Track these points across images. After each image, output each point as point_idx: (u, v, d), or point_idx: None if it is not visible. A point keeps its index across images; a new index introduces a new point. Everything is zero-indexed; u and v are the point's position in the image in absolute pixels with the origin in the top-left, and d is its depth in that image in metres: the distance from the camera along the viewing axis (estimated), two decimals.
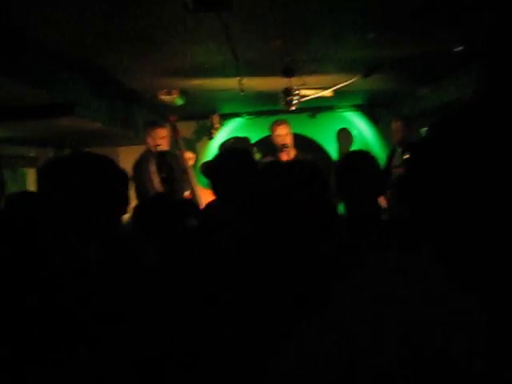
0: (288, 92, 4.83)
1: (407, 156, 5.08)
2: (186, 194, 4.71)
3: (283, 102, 4.98)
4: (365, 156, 2.65)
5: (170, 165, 3.71)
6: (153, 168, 3.98)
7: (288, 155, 5.64)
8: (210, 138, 7.27)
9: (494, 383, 0.94)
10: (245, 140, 6.98)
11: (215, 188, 2.74)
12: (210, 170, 2.83)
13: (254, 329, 1.36)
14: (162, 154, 4.24)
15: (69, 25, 3.13)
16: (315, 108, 7.32)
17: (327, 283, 1.28)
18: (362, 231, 2.21)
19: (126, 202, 1.72)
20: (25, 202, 2.28)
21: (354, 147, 7.51)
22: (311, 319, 1.13)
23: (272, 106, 6.77)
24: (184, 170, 4.80)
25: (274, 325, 1.33)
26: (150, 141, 5.36)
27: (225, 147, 5.55)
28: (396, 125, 5.79)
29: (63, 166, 1.66)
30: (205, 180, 4.42)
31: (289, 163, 1.65)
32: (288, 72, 4.53)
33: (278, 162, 1.70)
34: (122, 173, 1.75)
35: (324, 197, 1.59)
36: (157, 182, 4.11)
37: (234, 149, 2.96)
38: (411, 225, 1.28)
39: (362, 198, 2.39)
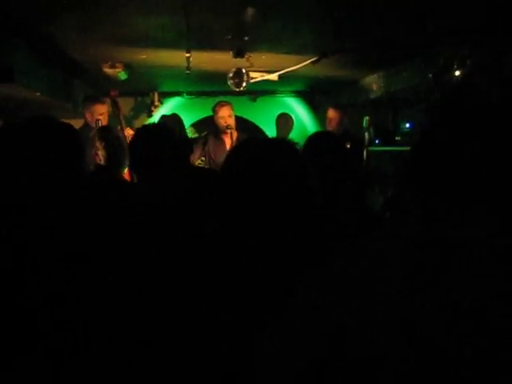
0: (238, 73, 4.78)
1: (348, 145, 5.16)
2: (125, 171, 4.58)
3: (232, 83, 4.92)
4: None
5: (112, 141, 3.61)
6: (97, 144, 3.84)
7: (231, 137, 5.63)
8: (150, 115, 7.15)
9: None
10: (173, 117, 6.87)
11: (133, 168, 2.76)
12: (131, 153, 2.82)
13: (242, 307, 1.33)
14: (105, 129, 4.10)
15: None
16: (256, 91, 7.31)
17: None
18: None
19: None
20: None
21: (293, 133, 7.58)
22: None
23: (215, 87, 6.70)
24: (124, 147, 4.67)
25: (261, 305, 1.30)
26: (88, 116, 5.20)
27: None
28: (331, 113, 5.89)
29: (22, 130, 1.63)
30: None
31: (267, 141, 1.61)
32: (239, 52, 4.48)
33: (255, 139, 1.66)
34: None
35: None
36: (101, 158, 3.97)
37: (147, 128, 2.95)
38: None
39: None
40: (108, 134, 3.74)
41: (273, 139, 1.68)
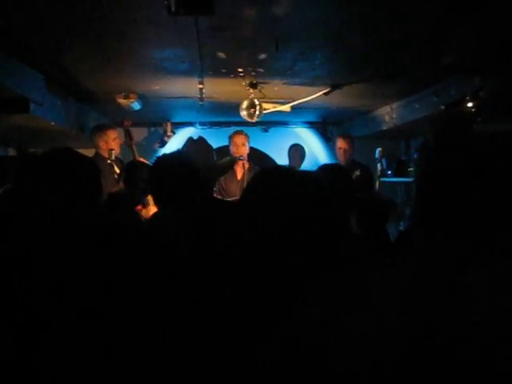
0: (252, 104, 4.81)
1: (357, 174, 5.16)
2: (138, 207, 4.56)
3: (245, 114, 4.95)
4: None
5: (140, 178, 3.60)
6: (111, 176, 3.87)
7: (243, 167, 5.63)
8: (162, 145, 7.19)
9: None
10: (200, 140, 6.93)
11: (156, 199, 2.71)
12: (149, 181, 2.79)
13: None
14: (140, 164, 4.11)
15: (30, 14, 2.98)
16: (268, 122, 7.35)
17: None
18: None
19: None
20: None
21: (305, 164, 7.59)
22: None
23: (228, 118, 6.75)
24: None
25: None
26: (102, 145, 5.22)
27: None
28: (341, 142, 5.90)
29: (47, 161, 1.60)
30: None
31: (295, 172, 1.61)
32: (252, 83, 4.52)
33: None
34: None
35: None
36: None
37: (171, 157, 2.90)
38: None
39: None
40: (132, 173, 3.73)
41: (294, 169, 1.66)
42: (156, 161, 2.83)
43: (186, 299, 1.59)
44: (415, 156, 5.80)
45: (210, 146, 4.62)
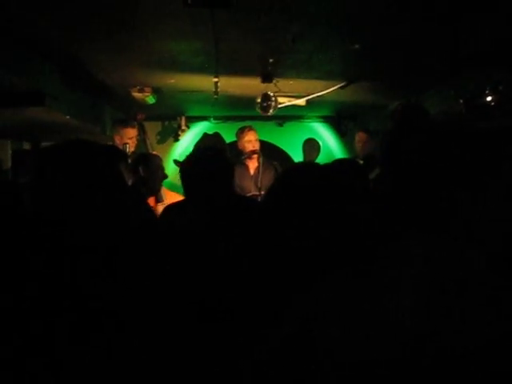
0: (267, 97, 4.78)
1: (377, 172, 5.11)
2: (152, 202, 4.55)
3: (260, 108, 4.92)
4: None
5: (147, 166, 3.59)
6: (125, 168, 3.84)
7: (257, 161, 5.59)
8: (176, 139, 7.18)
9: None
10: (216, 136, 6.91)
11: (188, 188, 2.68)
12: (186, 171, 2.76)
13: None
14: (147, 156, 4.10)
15: (46, 7, 2.97)
16: (283, 116, 7.31)
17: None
18: None
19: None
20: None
21: (320, 158, 7.54)
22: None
23: (242, 112, 6.72)
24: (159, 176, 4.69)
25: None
26: (117, 139, 5.21)
27: (199, 147, 5.43)
28: (359, 137, 5.84)
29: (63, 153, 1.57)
30: (169, 182, 4.31)
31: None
32: (267, 77, 4.48)
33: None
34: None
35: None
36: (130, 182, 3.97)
37: (210, 149, 2.89)
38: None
39: None
40: (151, 162, 3.72)
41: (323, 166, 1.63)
42: (191, 154, 2.83)
43: (184, 298, 1.58)
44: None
45: (225, 143, 4.59)
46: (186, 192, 2.73)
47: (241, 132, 5.68)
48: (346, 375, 1.01)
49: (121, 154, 1.86)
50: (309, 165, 1.69)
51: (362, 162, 5.31)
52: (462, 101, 4.30)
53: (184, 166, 2.77)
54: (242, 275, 1.41)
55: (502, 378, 0.95)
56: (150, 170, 3.59)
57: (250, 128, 5.65)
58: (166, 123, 7.56)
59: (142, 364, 1.35)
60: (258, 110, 5.01)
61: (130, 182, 3.72)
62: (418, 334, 1.00)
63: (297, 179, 1.42)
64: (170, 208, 3.06)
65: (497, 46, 3.72)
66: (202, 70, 4.44)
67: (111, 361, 1.33)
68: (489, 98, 4.03)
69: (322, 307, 1.11)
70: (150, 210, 3.73)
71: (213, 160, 2.73)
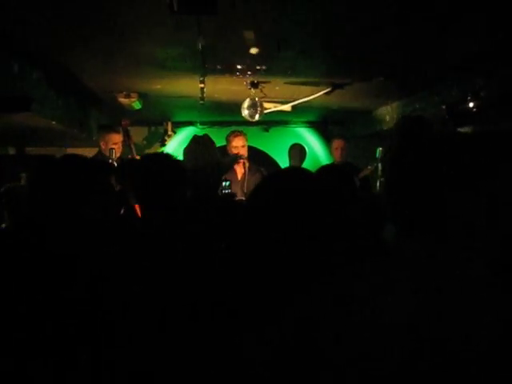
0: (253, 103, 4.81)
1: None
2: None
3: (246, 114, 4.95)
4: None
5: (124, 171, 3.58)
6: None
7: (243, 167, 5.61)
8: (163, 144, 7.18)
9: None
10: (205, 137, 6.89)
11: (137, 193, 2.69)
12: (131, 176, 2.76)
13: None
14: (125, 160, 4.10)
15: (32, 13, 2.97)
16: (269, 122, 7.34)
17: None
18: None
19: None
20: None
21: (306, 163, 7.58)
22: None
23: (228, 117, 6.74)
24: None
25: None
26: (102, 144, 5.21)
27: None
28: (337, 144, 5.88)
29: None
30: None
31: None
32: (254, 83, 4.51)
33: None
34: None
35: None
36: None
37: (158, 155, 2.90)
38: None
39: None
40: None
41: (305, 170, 1.64)
42: (140, 161, 2.83)
43: (177, 299, 1.59)
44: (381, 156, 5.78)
45: (214, 144, 4.58)
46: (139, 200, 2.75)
47: (229, 136, 5.69)
48: (343, 376, 1.03)
49: (111, 168, 1.92)
50: (295, 169, 1.72)
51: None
52: (444, 106, 4.36)
53: (131, 171, 2.78)
54: (231, 276, 1.43)
55: (501, 380, 0.96)
56: (123, 178, 3.58)
57: (239, 133, 5.65)
58: (153, 128, 7.57)
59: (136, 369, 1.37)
60: (244, 116, 5.03)
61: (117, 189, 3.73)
62: (415, 336, 1.01)
63: (283, 183, 1.44)
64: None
65: (478, 54, 3.78)
66: (188, 75, 4.46)
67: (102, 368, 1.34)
68: (471, 104, 4.09)
69: (318, 309, 1.13)
70: (137, 217, 3.74)
71: (160, 165, 2.73)
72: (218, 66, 4.14)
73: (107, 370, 1.39)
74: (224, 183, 4.69)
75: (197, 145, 3.75)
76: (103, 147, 5.17)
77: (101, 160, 2.44)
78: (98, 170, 1.62)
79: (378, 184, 5.23)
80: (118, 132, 5.25)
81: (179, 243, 2.23)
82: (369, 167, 5.09)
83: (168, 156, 2.83)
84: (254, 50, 3.45)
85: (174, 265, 1.97)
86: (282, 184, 1.43)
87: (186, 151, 3.99)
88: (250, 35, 3.26)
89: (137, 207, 4.03)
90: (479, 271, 1.05)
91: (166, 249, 2.15)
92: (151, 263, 1.99)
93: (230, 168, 5.45)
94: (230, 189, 5.01)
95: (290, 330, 1.10)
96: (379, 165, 5.36)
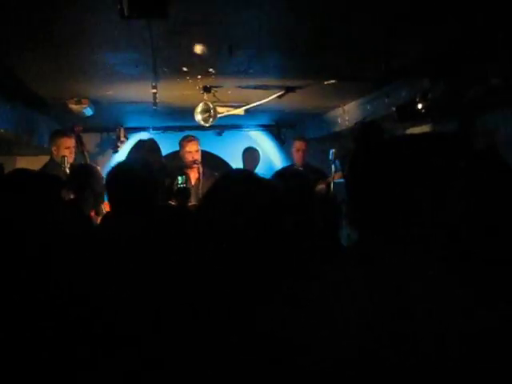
0: (206, 108, 4.81)
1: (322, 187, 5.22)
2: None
3: (200, 118, 4.95)
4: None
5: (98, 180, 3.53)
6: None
7: (197, 171, 5.60)
8: (115, 151, 7.09)
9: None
10: (150, 142, 6.85)
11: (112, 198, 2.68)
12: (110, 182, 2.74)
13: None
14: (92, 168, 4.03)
15: None
16: (222, 126, 7.34)
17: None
18: None
19: None
20: None
21: (259, 167, 7.61)
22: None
23: (181, 122, 6.73)
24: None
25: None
26: (54, 150, 5.11)
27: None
28: (299, 145, 5.93)
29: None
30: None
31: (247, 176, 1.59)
32: (206, 87, 4.52)
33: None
34: None
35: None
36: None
37: (127, 163, 2.89)
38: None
39: None
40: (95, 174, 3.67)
41: (251, 174, 1.66)
42: (113, 167, 2.80)
43: (144, 304, 1.58)
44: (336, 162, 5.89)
45: (159, 149, 4.58)
46: (111, 202, 2.73)
47: (182, 141, 5.67)
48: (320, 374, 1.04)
49: (62, 181, 1.93)
50: (243, 170, 1.74)
51: (301, 169, 5.41)
52: (394, 108, 4.46)
53: (109, 176, 2.76)
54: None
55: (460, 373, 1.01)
56: (81, 185, 3.54)
57: (192, 138, 5.63)
58: (105, 134, 7.47)
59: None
60: (198, 121, 5.03)
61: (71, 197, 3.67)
62: (372, 334, 1.03)
63: (232, 184, 1.45)
64: (107, 216, 3.03)
65: (425, 57, 3.88)
66: (140, 80, 4.42)
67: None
68: (419, 106, 4.20)
69: (282, 312, 1.14)
70: (89, 222, 3.69)
71: (135, 172, 2.72)
72: (169, 70, 4.12)
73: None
74: (179, 178, 4.69)
75: (139, 149, 3.73)
76: (55, 153, 5.07)
77: (50, 174, 2.40)
78: (50, 185, 1.61)
79: (331, 185, 5.30)
80: (69, 136, 5.15)
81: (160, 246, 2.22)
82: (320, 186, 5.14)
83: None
84: (198, 49, 3.41)
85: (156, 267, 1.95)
86: (235, 188, 1.44)
87: (129, 156, 3.96)
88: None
89: (91, 213, 3.98)
90: (434, 266, 1.08)
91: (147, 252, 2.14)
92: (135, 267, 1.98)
93: (174, 175, 5.44)
94: (186, 183, 4.99)
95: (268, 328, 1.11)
96: (332, 166, 5.43)
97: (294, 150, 5.99)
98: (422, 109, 4.18)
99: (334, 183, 5.53)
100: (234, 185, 1.46)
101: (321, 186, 4.93)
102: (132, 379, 1.36)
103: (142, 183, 2.66)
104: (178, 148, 5.89)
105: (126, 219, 2.53)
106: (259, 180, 1.47)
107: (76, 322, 1.46)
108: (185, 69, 4.01)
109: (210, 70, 4.12)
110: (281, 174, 2.90)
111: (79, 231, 2.67)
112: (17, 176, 1.65)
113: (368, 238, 1.18)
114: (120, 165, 2.81)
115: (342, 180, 5.97)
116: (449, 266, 1.09)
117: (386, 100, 4.90)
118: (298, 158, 5.93)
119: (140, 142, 5.22)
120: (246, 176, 1.52)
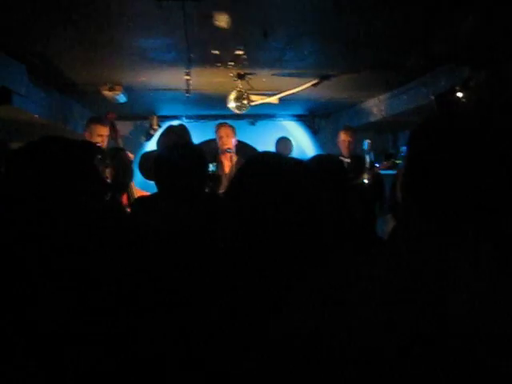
0: (240, 95, 4.75)
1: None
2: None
3: (233, 106, 4.89)
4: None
5: (123, 162, 3.50)
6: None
7: (230, 160, 5.55)
8: (148, 139, 7.10)
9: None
10: (181, 127, 6.82)
11: (160, 181, 2.62)
12: (158, 163, 2.69)
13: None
14: (118, 149, 4.01)
15: (13, 5, 2.88)
16: (256, 115, 7.29)
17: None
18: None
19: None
20: None
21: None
22: None
23: (214, 111, 6.68)
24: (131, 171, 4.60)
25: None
26: (87, 136, 5.12)
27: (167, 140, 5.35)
28: (346, 135, 5.79)
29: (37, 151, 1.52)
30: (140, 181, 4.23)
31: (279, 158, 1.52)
32: (240, 75, 4.45)
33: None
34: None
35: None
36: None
37: (185, 145, 2.83)
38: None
39: None
40: (121, 154, 3.63)
41: (284, 157, 1.58)
42: (163, 151, 2.75)
43: (179, 294, 1.54)
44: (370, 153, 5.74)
45: (189, 134, 4.53)
46: (159, 187, 2.68)
47: (217, 128, 5.62)
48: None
49: (95, 148, 1.82)
50: (271, 153, 1.65)
51: (348, 160, 5.30)
52: (433, 97, 4.33)
53: (158, 161, 2.71)
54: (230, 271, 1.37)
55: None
56: (119, 164, 3.51)
57: (224, 124, 5.58)
58: (138, 123, 7.49)
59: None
60: (231, 109, 4.97)
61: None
62: (397, 332, 0.98)
63: (258, 167, 1.38)
64: (141, 201, 2.98)
65: (466, 45, 3.75)
66: (173, 66, 4.38)
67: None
68: (459, 95, 4.07)
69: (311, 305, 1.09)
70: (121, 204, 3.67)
71: (188, 156, 2.67)
72: (203, 56, 4.07)
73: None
74: (210, 165, 4.63)
75: (170, 135, 3.68)
76: (88, 138, 5.08)
77: (83, 141, 2.34)
78: (83, 152, 1.52)
79: (365, 175, 5.18)
80: (104, 125, 5.14)
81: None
82: (384, 162, 5.01)
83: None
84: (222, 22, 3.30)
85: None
86: (263, 169, 1.37)
87: (159, 142, 3.91)
88: (223, 19, 3.17)
89: (123, 198, 3.97)
90: (484, 267, 1.00)
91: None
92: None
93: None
94: (217, 170, 4.93)
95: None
96: (366, 156, 5.31)
97: (339, 140, 5.84)
98: (462, 98, 4.04)
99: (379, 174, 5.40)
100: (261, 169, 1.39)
101: (366, 176, 4.80)
102: None
103: (192, 170, 2.62)
104: (210, 137, 5.86)
105: (173, 203, 2.49)
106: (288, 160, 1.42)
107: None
108: (216, 52, 3.93)
109: (242, 54, 4.01)
110: (315, 160, 2.82)
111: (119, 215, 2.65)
112: (47, 144, 1.53)
113: (415, 227, 1.09)
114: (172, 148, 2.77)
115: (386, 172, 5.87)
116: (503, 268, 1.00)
117: (424, 89, 4.76)
118: (343, 148, 5.77)
119: (169, 128, 5.19)
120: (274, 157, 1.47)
